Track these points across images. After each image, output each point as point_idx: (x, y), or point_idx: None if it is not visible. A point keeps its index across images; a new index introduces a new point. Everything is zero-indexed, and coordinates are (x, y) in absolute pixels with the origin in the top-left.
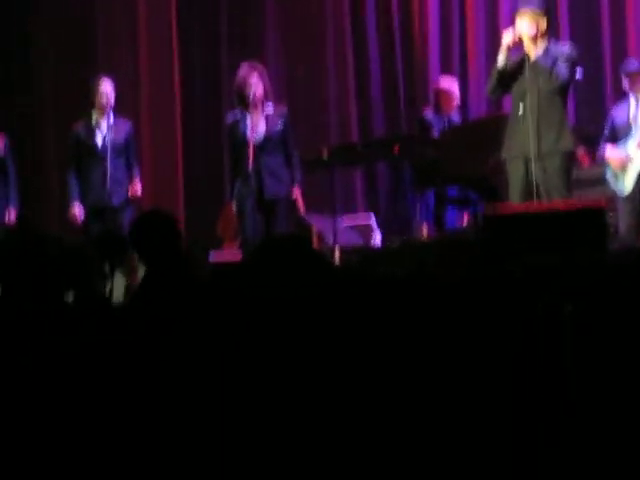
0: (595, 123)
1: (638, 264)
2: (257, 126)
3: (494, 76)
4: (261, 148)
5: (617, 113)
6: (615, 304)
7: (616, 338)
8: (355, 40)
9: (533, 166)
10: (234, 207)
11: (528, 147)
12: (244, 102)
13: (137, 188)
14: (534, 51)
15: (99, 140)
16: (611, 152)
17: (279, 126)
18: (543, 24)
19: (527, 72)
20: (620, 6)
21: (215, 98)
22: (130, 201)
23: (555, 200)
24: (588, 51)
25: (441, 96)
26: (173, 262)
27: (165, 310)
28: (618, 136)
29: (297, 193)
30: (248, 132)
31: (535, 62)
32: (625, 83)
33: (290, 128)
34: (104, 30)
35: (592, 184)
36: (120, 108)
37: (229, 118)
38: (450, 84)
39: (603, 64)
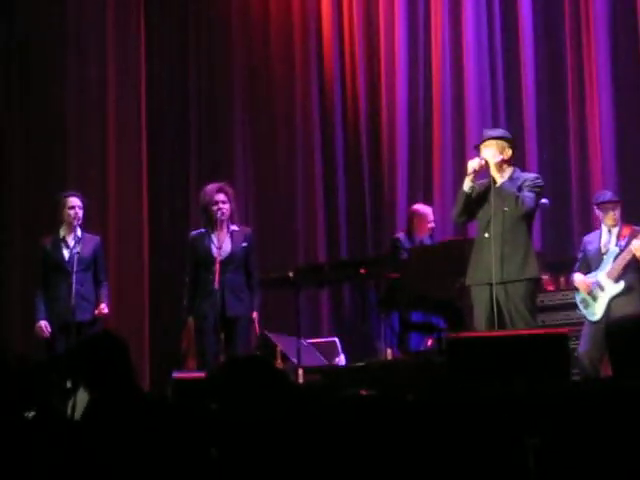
0: (561, 249)
1: (600, 394)
2: (223, 243)
3: (460, 201)
4: (225, 266)
5: (589, 241)
6: (579, 437)
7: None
8: (324, 163)
9: (497, 292)
10: (192, 322)
11: (493, 273)
12: (210, 220)
13: (103, 307)
14: (500, 178)
15: (66, 255)
16: (579, 277)
17: (244, 245)
18: (508, 152)
19: (492, 198)
20: (585, 137)
21: (183, 218)
22: (97, 318)
23: (519, 326)
24: (555, 180)
25: (415, 218)
26: (121, 389)
27: (121, 427)
28: (591, 265)
29: (255, 315)
30: (214, 249)
31: (500, 188)
32: (597, 213)
33: (254, 249)
34: (74, 146)
35: (557, 309)
36: (88, 224)
37: (193, 234)
38: (425, 208)
39: (570, 193)
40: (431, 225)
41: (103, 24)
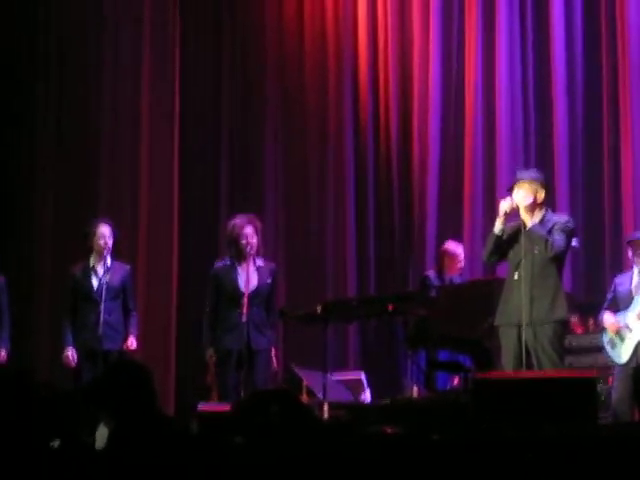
0: (592, 292)
1: (629, 438)
2: (250, 278)
3: (491, 242)
4: (250, 300)
5: (620, 282)
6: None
7: None
8: (356, 199)
9: (525, 333)
10: (212, 355)
11: (521, 314)
12: (237, 252)
13: (132, 342)
14: (530, 220)
15: (95, 283)
16: (608, 318)
17: (268, 282)
18: (541, 194)
19: (523, 240)
20: (618, 180)
21: (212, 250)
22: (124, 351)
23: (547, 368)
24: (588, 222)
25: (445, 257)
26: (144, 420)
27: (146, 457)
28: (620, 305)
29: (274, 352)
30: (241, 283)
31: (531, 230)
32: (628, 252)
33: (276, 285)
34: (106, 175)
35: (585, 351)
36: (118, 252)
37: (217, 265)
38: (455, 247)
39: (602, 235)
40: (460, 264)
41: (139, 65)
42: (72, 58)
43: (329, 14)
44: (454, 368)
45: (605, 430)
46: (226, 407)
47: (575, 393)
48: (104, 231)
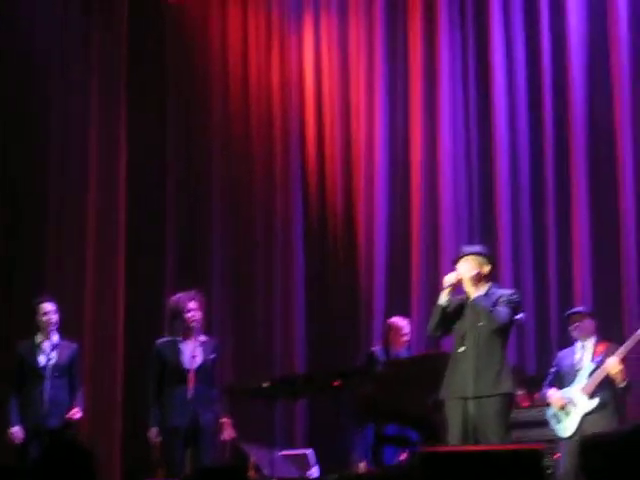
0: (538, 364)
1: None
2: (195, 353)
3: (436, 315)
4: (196, 376)
5: (563, 357)
6: None
7: None
8: (305, 276)
9: (471, 407)
10: (156, 434)
11: (467, 388)
12: (182, 327)
13: (76, 411)
14: (475, 293)
15: (42, 360)
16: (554, 393)
17: (212, 357)
18: (486, 268)
19: (467, 312)
20: (567, 253)
21: (158, 328)
22: (69, 424)
23: (493, 442)
24: (535, 297)
25: (391, 331)
26: None
27: None
28: (564, 380)
29: (227, 420)
30: (185, 359)
31: (475, 302)
32: (571, 328)
33: (217, 360)
34: (52, 251)
35: (531, 425)
36: (64, 329)
37: (160, 341)
38: (400, 321)
39: (549, 310)
40: (406, 338)
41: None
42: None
43: (274, 66)
44: (402, 442)
45: None
46: None
47: (522, 466)
48: (47, 308)
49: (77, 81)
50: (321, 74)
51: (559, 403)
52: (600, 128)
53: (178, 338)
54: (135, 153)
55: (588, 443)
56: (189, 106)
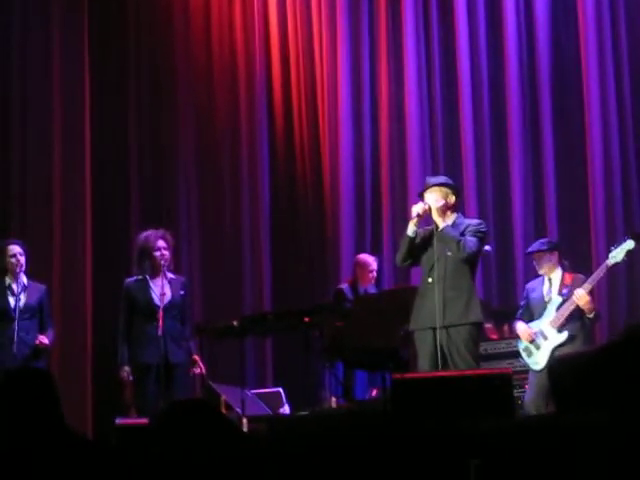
0: (504, 297)
1: (540, 429)
2: (163, 290)
3: (404, 245)
4: (165, 313)
5: (532, 289)
6: (520, 464)
7: None
8: (271, 213)
9: (440, 336)
10: (128, 372)
11: (436, 317)
12: (151, 265)
13: (42, 337)
14: (443, 223)
15: (11, 301)
16: (521, 326)
17: (181, 293)
18: (452, 198)
19: (435, 242)
20: (528, 185)
21: (124, 266)
22: (38, 353)
23: (463, 369)
24: (498, 228)
25: (357, 268)
26: (49, 431)
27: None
28: (533, 312)
29: (198, 358)
30: (155, 296)
31: (443, 232)
32: (535, 265)
33: (189, 297)
34: (18, 197)
35: (501, 357)
36: (33, 271)
37: (129, 280)
38: (366, 257)
39: (513, 241)
40: (373, 274)
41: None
42: None
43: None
44: (373, 366)
45: (521, 422)
46: (145, 421)
47: (491, 389)
48: (14, 250)
49: (38, 30)
50: (285, 23)
51: (528, 337)
52: (564, 51)
53: (147, 276)
54: (99, 98)
55: (556, 364)
56: (152, 53)
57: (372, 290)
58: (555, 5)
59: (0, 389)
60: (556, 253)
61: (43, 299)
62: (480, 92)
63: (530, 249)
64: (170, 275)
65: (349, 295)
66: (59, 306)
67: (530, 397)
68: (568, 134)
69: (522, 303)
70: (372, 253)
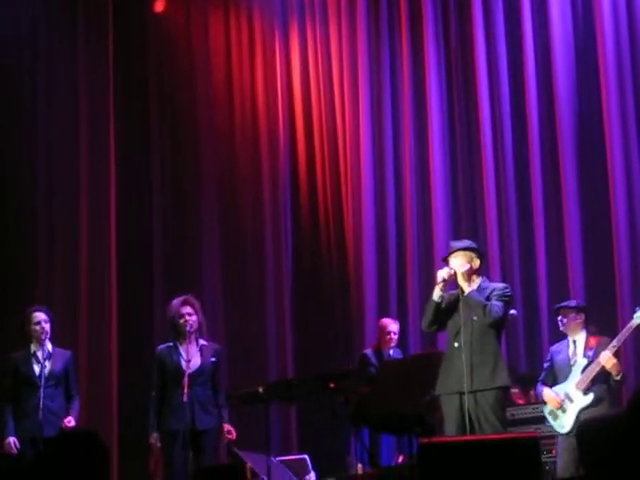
0: (530, 362)
1: None
2: (192, 357)
3: (430, 310)
4: (193, 379)
5: (557, 352)
6: None
7: None
8: (294, 281)
9: (467, 401)
10: (157, 439)
11: (463, 382)
12: (178, 333)
13: (70, 419)
14: (468, 287)
15: (36, 369)
16: (548, 392)
17: (212, 360)
18: (476, 262)
19: (461, 307)
20: (558, 246)
21: (149, 333)
22: (63, 429)
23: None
24: (525, 292)
25: (379, 332)
26: None
27: None
28: (558, 375)
29: (228, 427)
30: (183, 362)
31: (469, 296)
32: (560, 322)
33: (220, 365)
34: (44, 257)
35: (528, 422)
36: (58, 338)
37: (160, 347)
38: (388, 321)
39: (539, 306)
40: (391, 336)
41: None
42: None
43: (259, 72)
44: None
45: None
46: None
47: (519, 455)
48: (39, 317)
49: (64, 92)
50: (307, 83)
51: (555, 403)
52: (587, 122)
53: (177, 343)
54: (123, 162)
55: (584, 429)
56: (174, 113)
57: (397, 354)
58: (577, 64)
59: (56, 452)
60: (583, 315)
61: (68, 365)
62: (503, 153)
63: (561, 304)
64: (203, 342)
65: (373, 360)
66: (85, 371)
67: (561, 463)
68: (592, 196)
69: (545, 366)
70: (397, 318)
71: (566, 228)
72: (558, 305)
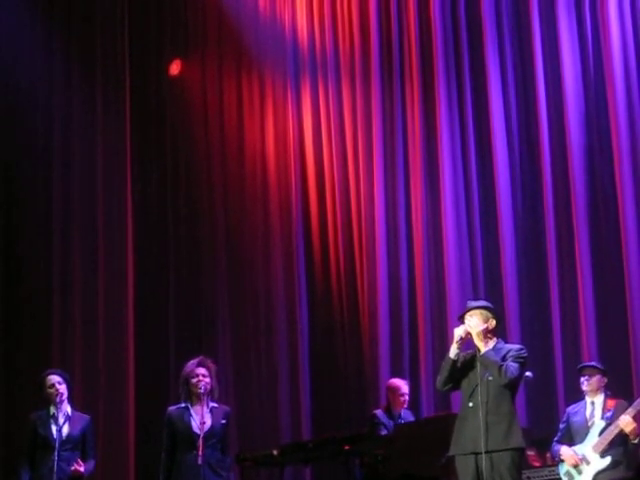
0: (546, 424)
1: None
2: (204, 419)
3: (446, 369)
4: (205, 441)
5: (574, 413)
6: None
7: None
8: (310, 342)
9: (482, 462)
10: None
11: (478, 442)
12: (190, 394)
13: (80, 465)
14: (484, 347)
15: (54, 432)
16: (566, 450)
17: (222, 422)
18: (492, 322)
19: (477, 367)
20: (572, 310)
21: (164, 394)
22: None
23: None
24: (540, 354)
25: (389, 392)
26: None
27: None
28: (574, 437)
29: None
30: (194, 424)
31: (485, 356)
32: (585, 382)
33: (230, 427)
34: (59, 324)
35: None
36: (75, 402)
37: (171, 409)
38: (398, 382)
39: (554, 366)
40: (404, 398)
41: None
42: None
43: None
44: None
45: None
46: None
47: None
48: (53, 380)
49: (81, 153)
50: (320, 143)
51: (573, 460)
52: (600, 185)
53: (189, 404)
54: (139, 222)
55: None
56: (189, 171)
57: (407, 414)
58: (589, 130)
59: None
60: (605, 378)
61: (86, 430)
62: (518, 217)
63: (586, 364)
64: (213, 404)
65: (383, 420)
66: (102, 435)
67: None
68: (605, 260)
69: (561, 426)
70: (410, 378)
71: (580, 290)
72: (584, 364)
